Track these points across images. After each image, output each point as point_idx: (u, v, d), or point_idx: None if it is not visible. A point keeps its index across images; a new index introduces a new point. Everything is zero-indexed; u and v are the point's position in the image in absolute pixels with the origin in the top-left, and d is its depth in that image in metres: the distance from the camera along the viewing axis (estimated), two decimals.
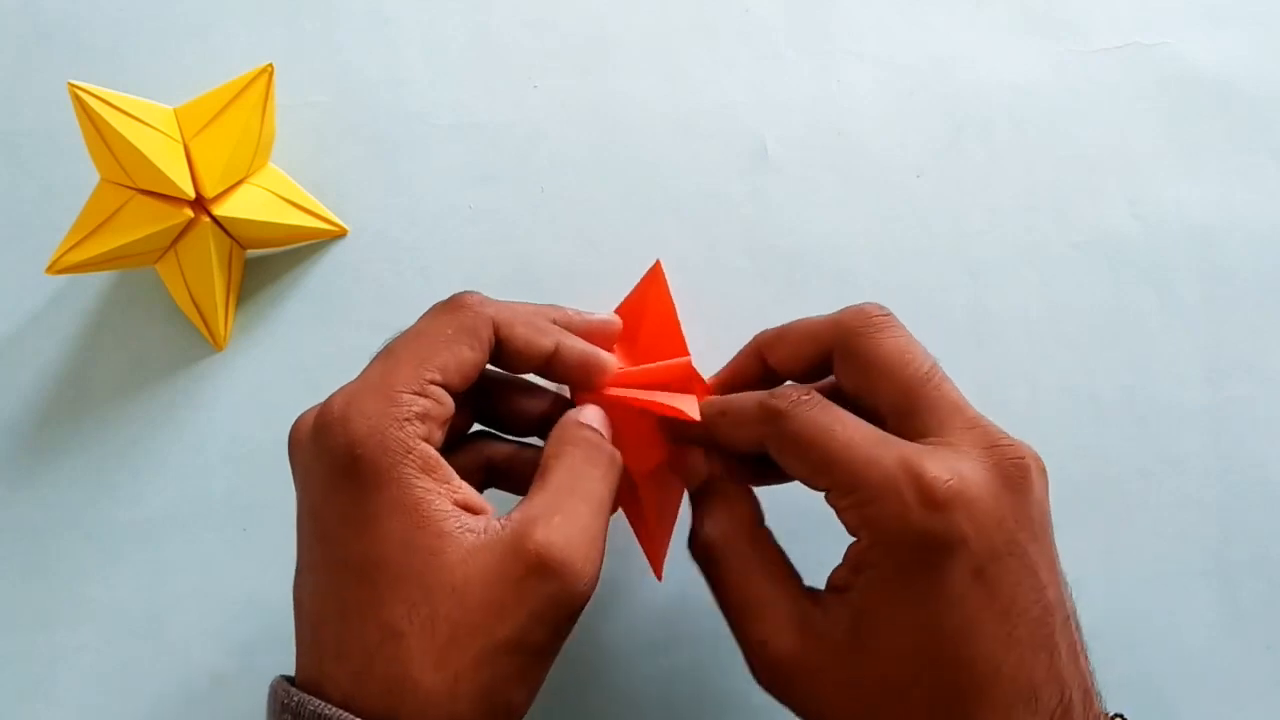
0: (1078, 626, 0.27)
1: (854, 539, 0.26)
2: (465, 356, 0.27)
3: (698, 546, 0.29)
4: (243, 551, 0.37)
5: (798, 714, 0.27)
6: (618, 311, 0.33)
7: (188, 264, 0.37)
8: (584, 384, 0.31)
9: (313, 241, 0.40)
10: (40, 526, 0.38)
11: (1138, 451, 0.38)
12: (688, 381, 0.32)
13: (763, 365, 0.31)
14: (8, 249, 0.40)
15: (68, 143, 0.38)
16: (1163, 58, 0.42)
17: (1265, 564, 0.37)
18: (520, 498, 0.27)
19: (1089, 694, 0.26)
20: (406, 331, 0.29)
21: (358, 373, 0.38)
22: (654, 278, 0.33)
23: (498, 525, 0.26)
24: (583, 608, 0.26)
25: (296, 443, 0.28)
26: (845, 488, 0.26)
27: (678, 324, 0.32)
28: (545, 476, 0.27)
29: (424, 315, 0.29)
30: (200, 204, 0.37)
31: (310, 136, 0.41)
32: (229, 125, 0.37)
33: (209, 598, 0.37)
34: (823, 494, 0.27)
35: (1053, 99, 0.42)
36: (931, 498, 0.25)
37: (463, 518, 0.25)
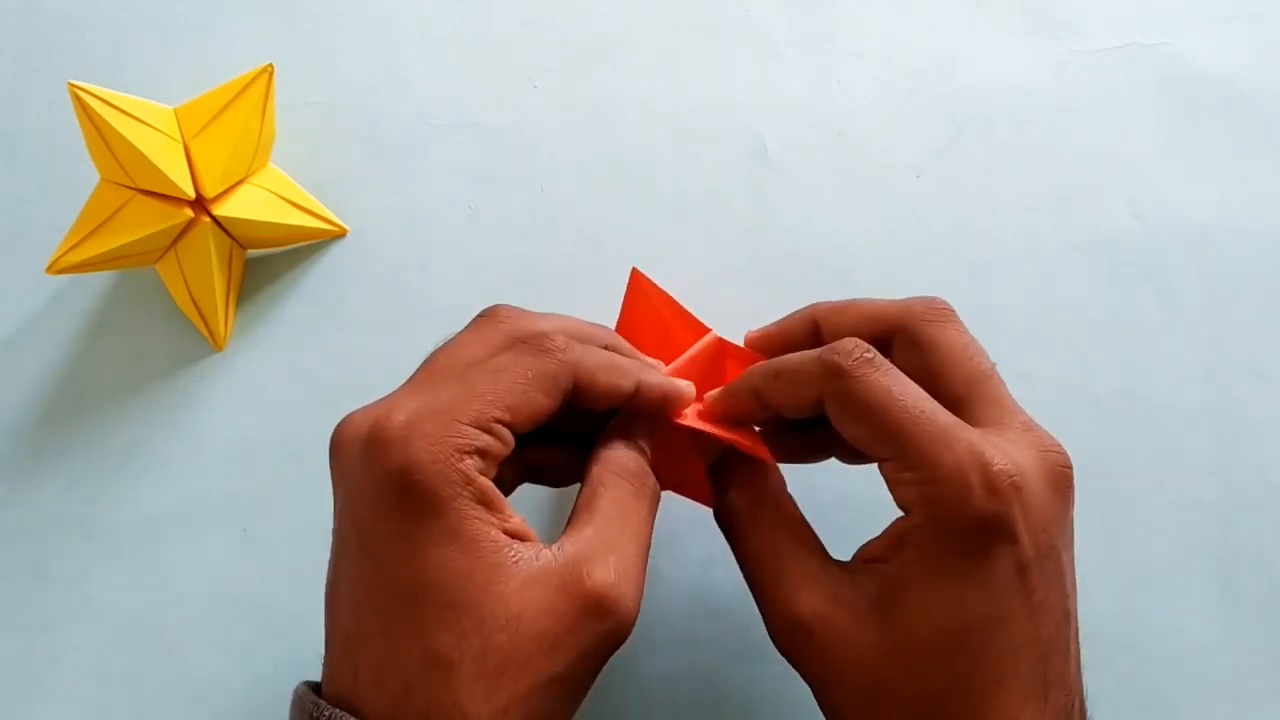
0: (1080, 633, 0.27)
1: (902, 514, 0.26)
2: (539, 404, 0.26)
3: (724, 515, 0.30)
4: (243, 551, 0.37)
5: (811, 680, 0.27)
6: (618, 329, 0.33)
7: (188, 264, 0.37)
8: (663, 416, 0.30)
9: (313, 241, 0.40)
10: (40, 526, 0.38)
11: (1138, 451, 0.38)
12: (723, 354, 0.32)
13: (814, 334, 0.31)
14: (8, 249, 0.40)
15: (68, 143, 0.38)
16: (1163, 58, 0.42)
17: (1265, 564, 0.37)
18: (550, 516, 0.27)
19: (1083, 704, 0.26)
20: (455, 343, 0.28)
21: (357, 372, 0.39)
22: (638, 283, 0.33)
23: (550, 555, 0.25)
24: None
25: (343, 449, 0.26)
26: (909, 462, 0.26)
27: (685, 311, 0.33)
28: (593, 506, 0.27)
29: (480, 332, 0.28)
30: (200, 204, 0.37)
31: (310, 136, 0.41)
32: (229, 125, 0.37)
33: (209, 598, 0.37)
34: (876, 463, 0.27)
35: (1053, 99, 0.42)
36: (995, 489, 0.25)
37: (515, 546, 0.25)
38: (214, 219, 0.37)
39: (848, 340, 0.27)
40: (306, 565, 0.37)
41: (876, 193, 0.41)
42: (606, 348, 0.29)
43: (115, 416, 0.39)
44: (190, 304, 0.38)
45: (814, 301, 0.33)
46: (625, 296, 0.33)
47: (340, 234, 0.40)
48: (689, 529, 0.36)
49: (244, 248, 0.39)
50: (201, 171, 0.37)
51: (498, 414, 0.25)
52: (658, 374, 0.29)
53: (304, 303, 0.40)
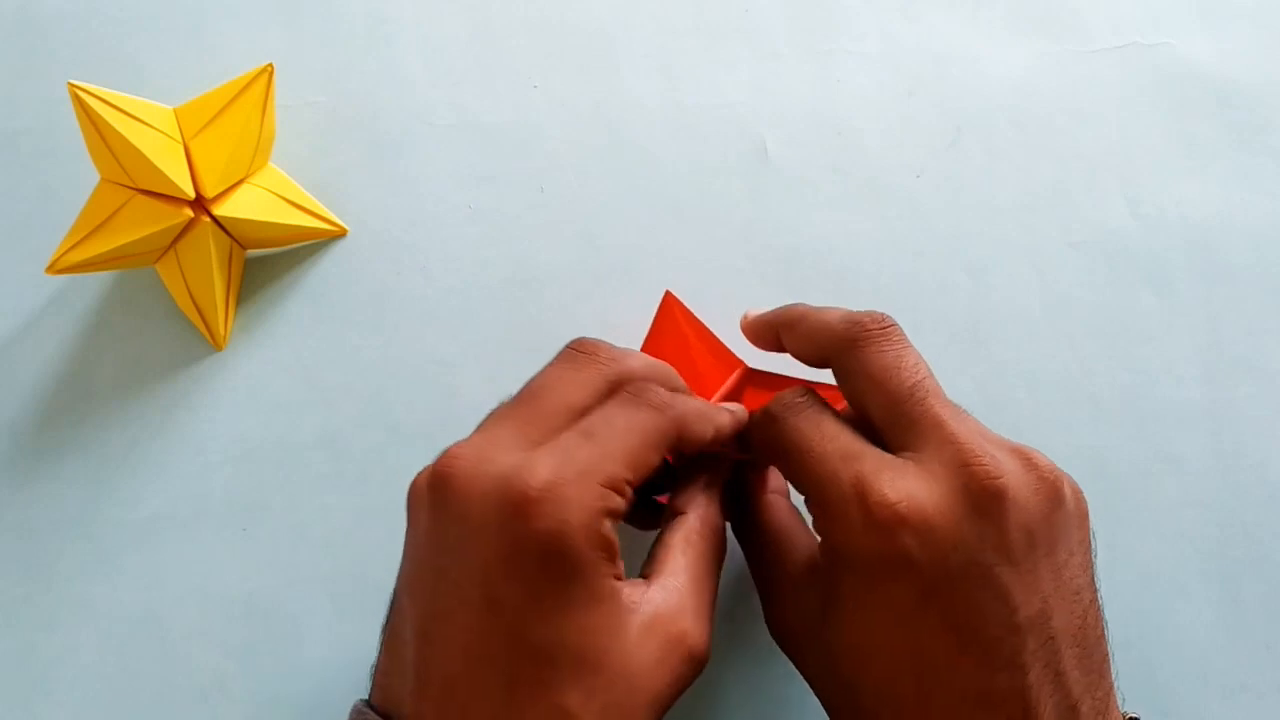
0: (1078, 644, 0.26)
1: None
2: (653, 461, 0.27)
3: (734, 532, 0.32)
4: (243, 551, 0.37)
5: (799, 671, 0.29)
6: (643, 349, 0.35)
7: (188, 264, 0.37)
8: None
9: (313, 241, 0.40)
10: (40, 526, 0.38)
11: (1138, 451, 0.38)
12: (752, 383, 0.34)
13: (778, 340, 0.32)
14: (8, 249, 0.40)
15: (68, 143, 0.38)
16: (1163, 58, 0.42)
17: (1265, 564, 0.37)
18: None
19: (1075, 711, 0.25)
20: (554, 380, 0.28)
21: (357, 372, 0.39)
22: (670, 307, 0.34)
23: (654, 602, 0.26)
24: None
25: (464, 495, 0.26)
26: (810, 498, 0.27)
27: (716, 340, 0.34)
28: (688, 555, 0.28)
29: (577, 369, 0.28)
30: (200, 204, 0.37)
31: (310, 136, 0.41)
32: (229, 125, 0.37)
33: (209, 598, 0.37)
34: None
35: (1053, 99, 0.42)
36: (876, 520, 0.25)
37: (624, 591, 0.26)
38: (214, 219, 0.37)
39: (786, 392, 0.30)
40: (306, 565, 0.37)
41: (876, 193, 0.41)
42: (673, 388, 0.30)
43: (115, 416, 0.39)
44: (190, 304, 0.38)
45: (803, 302, 0.33)
46: (655, 318, 0.34)
47: (340, 234, 0.40)
48: None
49: (244, 248, 0.39)
50: (201, 171, 0.37)
51: (627, 474, 0.26)
52: (725, 415, 0.30)
53: (304, 303, 0.40)
